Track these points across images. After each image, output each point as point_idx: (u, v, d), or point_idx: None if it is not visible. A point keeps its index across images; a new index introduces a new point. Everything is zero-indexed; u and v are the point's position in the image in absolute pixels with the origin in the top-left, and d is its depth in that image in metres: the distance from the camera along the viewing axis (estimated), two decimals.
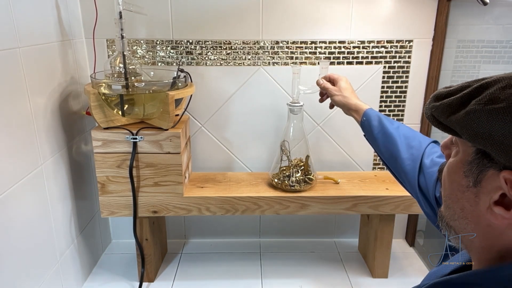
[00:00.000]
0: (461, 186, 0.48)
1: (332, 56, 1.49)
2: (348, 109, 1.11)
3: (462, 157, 0.48)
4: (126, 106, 1.31)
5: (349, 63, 1.51)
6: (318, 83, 1.20)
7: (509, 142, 0.40)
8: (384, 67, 1.52)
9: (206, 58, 1.49)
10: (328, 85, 1.17)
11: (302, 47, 1.48)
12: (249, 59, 1.49)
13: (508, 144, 0.40)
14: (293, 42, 1.48)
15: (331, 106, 1.21)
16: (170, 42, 1.48)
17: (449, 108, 0.46)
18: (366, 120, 1.03)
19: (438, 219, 0.54)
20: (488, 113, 0.42)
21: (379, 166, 1.66)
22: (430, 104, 0.49)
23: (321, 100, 1.24)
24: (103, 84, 1.26)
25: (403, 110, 1.58)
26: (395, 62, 1.51)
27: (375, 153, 1.63)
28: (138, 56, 1.49)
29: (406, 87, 1.55)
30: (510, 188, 0.42)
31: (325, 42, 1.48)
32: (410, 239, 1.74)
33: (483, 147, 0.43)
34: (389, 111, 1.57)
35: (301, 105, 1.38)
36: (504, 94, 0.42)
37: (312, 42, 1.48)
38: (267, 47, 1.48)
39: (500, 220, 0.44)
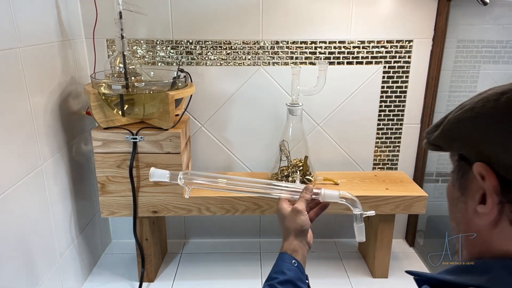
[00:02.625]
0: (454, 200, 0.51)
1: (332, 56, 1.49)
2: None
3: (451, 172, 0.51)
4: (126, 106, 1.31)
5: (349, 63, 1.51)
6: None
7: (473, 136, 0.45)
8: (384, 67, 1.52)
9: (206, 58, 1.49)
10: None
11: (302, 47, 1.48)
12: (249, 59, 1.49)
13: (473, 139, 0.45)
14: (293, 42, 1.48)
15: None
16: (170, 42, 1.48)
17: (433, 129, 0.52)
18: None
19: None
20: (455, 119, 0.48)
21: (379, 166, 1.66)
22: (426, 133, 0.55)
23: None
24: (103, 84, 1.26)
25: (403, 110, 1.58)
26: (395, 62, 1.51)
27: (375, 153, 1.64)
28: (138, 56, 1.49)
29: (406, 87, 1.55)
30: (482, 179, 0.44)
31: (325, 42, 1.48)
32: (410, 239, 1.74)
33: (459, 151, 0.48)
34: (389, 111, 1.57)
35: (300, 106, 1.38)
36: (462, 105, 0.48)
37: (312, 42, 1.48)
38: (267, 47, 1.48)
39: (483, 219, 0.45)
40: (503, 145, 0.42)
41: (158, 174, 0.86)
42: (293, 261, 0.76)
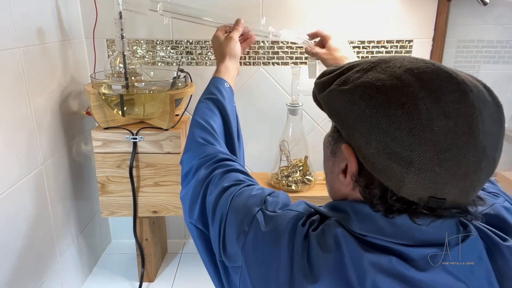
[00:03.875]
0: (326, 155, 0.60)
1: None
2: None
3: (329, 131, 0.58)
4: (126, 106, 1.31)
5: None
6: (307, 51, 1.12)
7: (347, 119, 0.48)
8: None
9: (206, 58, 1.49)
10: (318, 50, 1.09)
11: (302, 47, 1.48)
12: (249, 59, 1.49)
13: (346, 121, 0.48)
14: (293, 42, 1.47)
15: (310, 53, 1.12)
16: (170, 42, 1.48)
17: (322, 86, 0.53)
18: None
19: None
20: (339, 93, 0.49)
21: None
22: (315, 80, 0.56)
23: (309, 52, 1.13)
24: (103, 84, 1.26)
25: None
26: None
27: None
28: (138, 56, 1.49)
29: None
30: (348, 157, 0.50)
31: None
32: None
33: (335, 123, 0.52)
34: None
35: (300, 106, 1.38)
36: (353, 77, 0.48)
37: None
38: (267, 47, 1.48)
39: (343, 186, 0.54)
40: (366, 138, 0.46)
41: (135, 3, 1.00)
42: (226, 83, 0.89)
